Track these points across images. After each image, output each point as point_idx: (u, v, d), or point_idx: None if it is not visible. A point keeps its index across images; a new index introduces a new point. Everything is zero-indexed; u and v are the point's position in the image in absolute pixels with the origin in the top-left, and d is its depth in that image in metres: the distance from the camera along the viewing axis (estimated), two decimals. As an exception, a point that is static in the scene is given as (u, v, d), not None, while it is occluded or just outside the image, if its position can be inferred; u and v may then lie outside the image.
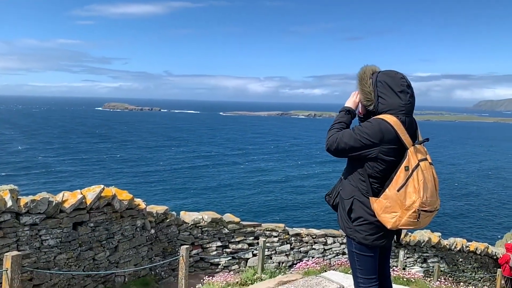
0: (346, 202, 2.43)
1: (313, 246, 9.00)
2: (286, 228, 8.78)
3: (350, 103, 2.57)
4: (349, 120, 2.50)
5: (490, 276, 11.01)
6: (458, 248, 10.91)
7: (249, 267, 7.71)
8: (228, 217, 8.26)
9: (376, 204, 2.29)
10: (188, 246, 5.32)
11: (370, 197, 2.33)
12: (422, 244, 10.30)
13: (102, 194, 5.78)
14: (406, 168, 2.20)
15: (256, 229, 8.34)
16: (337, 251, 9.27)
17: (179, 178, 44.22)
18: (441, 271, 10.67)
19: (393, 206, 2.23)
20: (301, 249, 8.84)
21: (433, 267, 10.51)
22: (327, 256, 9.11)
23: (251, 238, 8.27)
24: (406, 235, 10.08)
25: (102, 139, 77.00)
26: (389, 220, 2.25)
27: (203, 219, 7.76)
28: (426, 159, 2.28)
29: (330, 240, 9.21)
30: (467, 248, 11.11)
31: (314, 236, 9.02)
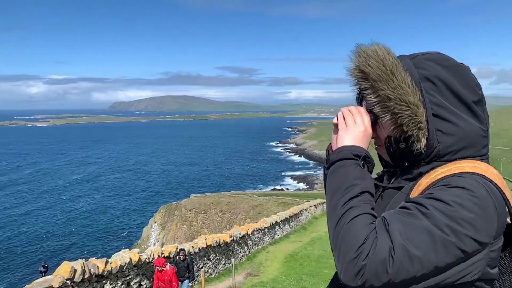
0: None
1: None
2: None
3: (356, 137, 0.97)
4: (371, 184, 0.93)
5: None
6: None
7: None
8: None
9: None
10: None
11: None
12: (124, 268, 9.12)
13: None
14: None
15: None
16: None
17: None
18: (145, 288, 9.93)
19: None
20: None
21: (138, 288, 9.60)
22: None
23: None
24: (106, 263, 8.59)
25: None
26: None
27: None
28: None
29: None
30: (162, 255, 10.87)
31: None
